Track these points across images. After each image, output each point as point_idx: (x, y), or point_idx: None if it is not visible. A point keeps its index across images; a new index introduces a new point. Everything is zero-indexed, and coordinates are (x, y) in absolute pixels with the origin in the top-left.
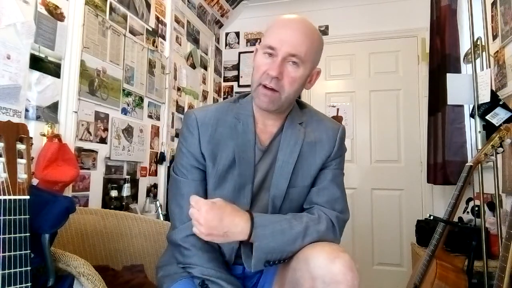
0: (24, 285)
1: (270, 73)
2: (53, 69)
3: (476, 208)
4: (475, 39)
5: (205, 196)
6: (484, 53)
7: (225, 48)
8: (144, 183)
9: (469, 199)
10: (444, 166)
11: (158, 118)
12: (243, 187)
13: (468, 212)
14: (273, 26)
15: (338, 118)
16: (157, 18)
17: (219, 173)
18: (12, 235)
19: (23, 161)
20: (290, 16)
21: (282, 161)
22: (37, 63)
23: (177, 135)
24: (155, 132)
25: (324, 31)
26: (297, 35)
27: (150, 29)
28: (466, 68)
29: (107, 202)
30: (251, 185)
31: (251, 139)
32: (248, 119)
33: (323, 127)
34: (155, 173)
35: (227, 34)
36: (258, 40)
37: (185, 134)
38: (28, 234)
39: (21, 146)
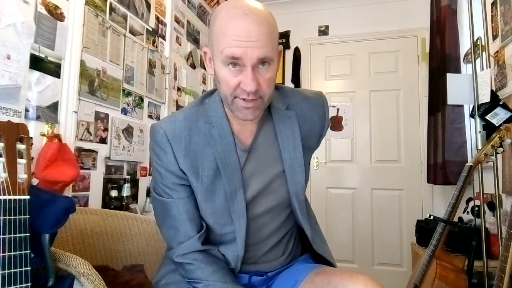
0: (24, 285)
1: (247, 89)
2: (53, 69)
3: (476, 208)
4: (475, 39)
5: (197, 210)
6: (484, 53)
7: None
8: (144, 183)
9: (469, 199)
10: (444, 166)
11: (158, 118)
12: (235, 194)
13: (468, 212)
14: (225, 24)
15: (338, 118)
16: (157, 18)
17: (206, 186)
18: (12, 235)
19: (23, 161)
20: (238, 4)
21: (290, 159)
22: (37, 63)
23: None
24: None
25: (324, 31)
26: (259, 33)
27: (150, 29)
28: (466, 68)
29: (107, 202)
30: (242, 189)
31: (230, 141)
32: (222, 120)
33: (311, 106)
34: None
35: None
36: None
37: (157, 153)
38: (28, 234)
39: (21, 146)
